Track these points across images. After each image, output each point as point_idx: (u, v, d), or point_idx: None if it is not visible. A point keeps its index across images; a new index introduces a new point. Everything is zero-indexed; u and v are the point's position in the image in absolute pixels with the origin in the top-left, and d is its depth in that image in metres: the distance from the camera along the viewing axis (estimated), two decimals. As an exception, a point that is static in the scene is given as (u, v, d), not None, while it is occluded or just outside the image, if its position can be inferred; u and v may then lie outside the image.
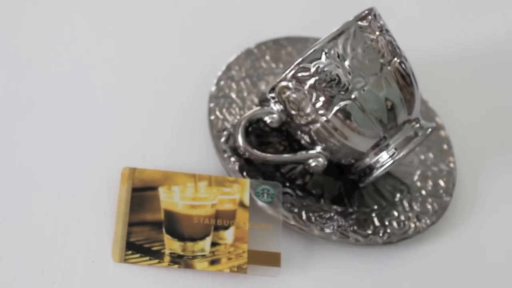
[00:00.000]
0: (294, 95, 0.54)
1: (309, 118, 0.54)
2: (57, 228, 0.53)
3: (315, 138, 0.55)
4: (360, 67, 0.53)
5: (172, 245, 0.52)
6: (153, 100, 0.60)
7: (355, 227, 0.56)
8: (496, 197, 0.61)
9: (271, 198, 0.55)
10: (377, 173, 0.55)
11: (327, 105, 0.53)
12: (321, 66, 0.53)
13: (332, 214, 0.56)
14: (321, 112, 0.53)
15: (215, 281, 0.53)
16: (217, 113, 0.59)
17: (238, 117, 0.59)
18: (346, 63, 0.52)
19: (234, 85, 0.61)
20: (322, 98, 0.53)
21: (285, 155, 0.56)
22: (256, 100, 0.60)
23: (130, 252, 0.52)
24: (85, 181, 0.55)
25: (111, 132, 0.58)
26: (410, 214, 0.58)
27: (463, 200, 0.60)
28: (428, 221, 0.58)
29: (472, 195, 0.61)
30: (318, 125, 0.54)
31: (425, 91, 0.64)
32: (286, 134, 0.59)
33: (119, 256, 0.52)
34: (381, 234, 0.56)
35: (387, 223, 0.57)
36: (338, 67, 0.52)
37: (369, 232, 0.56)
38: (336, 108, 0.53)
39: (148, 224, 0.53)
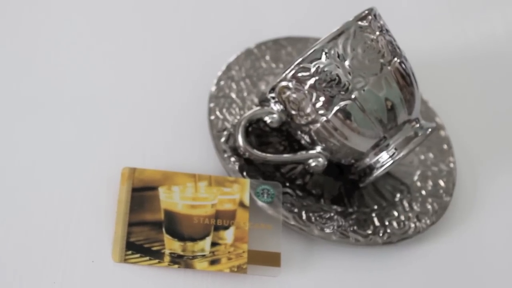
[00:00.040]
0: (294, 95, 0.54)
1: (309, 118, 0.54)
2: (57, 228, 0.53)
3: (315, 138, 0.55)
4: (360, 67, 0.53)
5: (172, 245, 0.52)
6: (153, 100, 0.60)
7: (355, 227, 0.56)
8: (496, 197, 0.61)
9: (271, 198, 0.55)
10: (377, 173, 0.55)
11: (327, 105, 0.53)
12: (321, 66, 0.53)
13: (332, 214, 0.56)
14: (321, 112, 0.53)
15: (215, 281, 0.53)
16: (217, 113, 0.59)
17: (238, 117, 0.59)
18: (346, 63, 0.52)
19: (234, 85, 0.61)
20: (322, 98, 0.53)
21: (285, 155, 0.56)
22: (256, 100, 0.60)
23: (130, 252, 0.52)
24: (85, 181, 0.55)
25: (111, 132, 0.58)
26: (410, 214, 0.58)
27: (463, 200, 0.60)
28: (428, 221, 0.58)
29: (472, 195, 0.61)
30: (318, 125, 0.54)
31: (425, 91, 0.64)
32: (286, 134, 0.59)
33: (119, 256, 0.52)
34: (381, 234, 0.56)
35: (387, 223, 0.57)
36: (338, 67, 0.52)
37: (369, 232, 0.56)
38: (336, 108, 0.53)
39: (148, 224, 0.53)
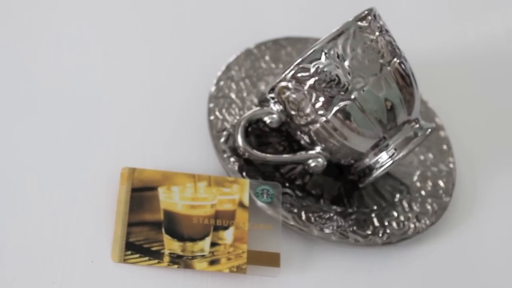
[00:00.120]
0: (293, 96, 0.54)
1: (309, 119, 0.54)
2: (57, 228, 0.53)
3: (314, 138, 0.55)
4: (360, 68, 0.53)
5: (171, 245, 0.52)
6: (153, 100, 0.60)
7: (355, 228, 0.56)
8: (496, 197, 0.61)
9: (271, 199, 0.55)
10: (376, 173, 0.55)
11: (327, 105, 0.53)
12: (321, 66, 0.52)
13: (331, 215, 0.56)
14: (320, 112, 0.53)
15: (215, 282, 0.53)
16: (217, 113, 0.59)
17: (237, 117, 0.59)
18: (346, 63, 0.52)
19: (233, 86, 0.61)
20: (321, 99, 0.53)
21: (285, 156, 0.56)
22: (255, 100, 0.60)
23: (129, 252, 0.52)
24: (84, 181, 0.55)
25: (111, 132, 0.58)
26: (409, 215, 0.58)
27: (463, 200, 0.60)
28: (427, 222, 0.58)
29: (471, 195, 0.61)
30: (318, 125, 0.54)
31: (424, 92, 0.64)
32: (285, 135, 0.59)
33: (119, 256, 0.52)
34: (380, 235, 0.56)
35: (386, 223, 0.57)
36: (338, 68, 0.52)
37: (369, 232, 0.56)
38: (335, 108, 0.53)
39: (148, 224, 0.53)
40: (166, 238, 0.53)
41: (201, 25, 0.66)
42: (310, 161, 0.56)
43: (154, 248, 0.52)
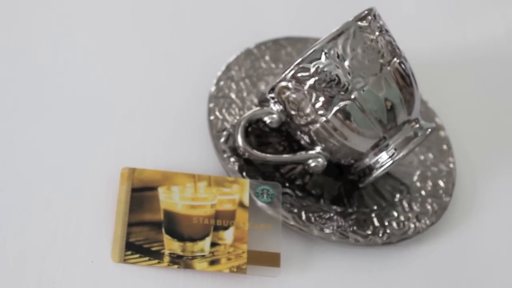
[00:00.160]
0: (293, 95, 0.54)
1: (309, 119, 0.54)
2: (57, 228, 0.53)
3: (314, 138, 0.55)
4: (360, 67, 0.53)
5: (171, 245, 0.52)
6: (153, 100, 0.60)
7: (355, 228, 0.56)
8: (496, 197, 0.61)
9: (271, 199, 0.55)
10: (376, 173, 0.55)
11: (327, 105, 0.53)
12: (321, 66, 0.52)
13: (331, 215, 0.56)
14: (320, 112, 0.53)
15: (215, 282, 0.53)
16: (217, 113, 0.59)
17: (237, 117, 0.59)
18: (346, 63, 0.52)
19: (233, 85, 0.61)
20: (321, 98, 0.53)
21: (285, 156, 0.56)
22: (255, 100, 0.60)
23: (129, 252, 0.52)
24: (84, 181, 0.55)
25: (111, 132, 0.58)
26: (409, 215, 0.58)
27: (463, 200, 0.60)
28: (427, 222, 0.58)
29: (471, 195, 0.61)
30: (318, 125, 0.54)
31: (424, 92, 0.64)
32: (285, 135, 0.59)
33: (119, 256, 0.52)
34: (380, 235, 0.56)
35: (386, 223, 0.57)
36: (338, 68, 0.52)
37: (369, 232, 0.56)
38: (335, 108, 0.53)
39: (148, 224, 0.53)
40: (166, 238, 0.53)
41: (201, 25, 0.66)
42: (310, 161, 0.56)
43: (154, 248, 0.52)
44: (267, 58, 0.63)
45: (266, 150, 0.57)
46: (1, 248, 0.51)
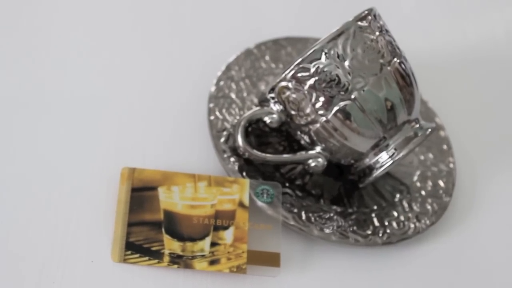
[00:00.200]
0: (293, 95, 0.54)
1: (309, 119, 0.54)
2: (57, 228, 0.53)
3: (314, 138, 0.55)
4: (360, 68, 0.53)
5: (171, 245, 0.52)
6: (153, 100, 0.60)
7: (355, 228, 0.56)
8: (496, 197, 0.61)
9: (271, 198, 0.55)
10: (376, 173, 0.55)
11: (327, 105, 0.53)
12: (321, 66, 0.52)
13: (331, 215, 0.56)
14: (320, 112, 0.53)
15: (215, 281, 0.53)
16: (217, 113, 0.59)
17: (237, 117, 0.59)
18: (346, 63, 0.52)
19: (233, 85, 0.61)
20: (321, 98, 0.53)
21: (285, 156, 0.56)
22: (255, 100, 0.60)
23: (129, 252, 0.52)
24: (84, 181, 0.55)
25: (111, 132, 0.58)
26: (409, 215, 0.58)
27: (463, 200, 0.60)
28: (427, 222, 0.58)
29: (471, 195, 0.61)
30: (318, 125, 0.54)
31: (425, 92, 0.64)
32: (285, 135, 0.59)
33: (119, 256, 0.52)
34: (380, 235, 0.56)
35: (386, 223, 0.57)
36: (338, 68, 0.52)
37: (369, 232, 0.56)
38: (335, 108, 0.53)
39: (148, 224, 0.53)
40: (166, 238, 0.53)
41: (201, 25, 0.66)
42: (310, 161, 0.56)
43: (154, 248, 0.52)
44: (267, 58, 0.63)
45: (266, 150, 0.57)
46: (1, 247, 0.51)
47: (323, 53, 0.52)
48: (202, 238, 0.53)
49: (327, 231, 0.55)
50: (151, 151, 0.57)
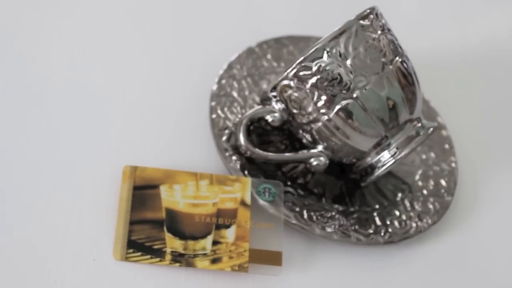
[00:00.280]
0: (295, 94, 0.54)
1: (311, 117, 0.54)
2: (59, 226, 0.53)
3: (316, 137, 0.55)
4: (362, 66, 0.53)
5: (173, 243, 0.52)
6: (155, 99, 0.60)
7: (357, 226, 0.56)
8: (497, 196, 0.61)
9: (273, 197, 0.55)
10: (378, 172, 0.55)
11: (329, 104, 0.53)
12: (323, 65, 0.52)
13: (333, 213, 0.56)
14: (322, 111, 0.53)
15: (216, 280, 0.53)
16: (219, 111, 0.59)
17: (239, 115, 0.59)
18: (348, 62, 0.52)
19: (235, 84, 0.61)
20: (323, 97, 0.53)
21: (287, 154, 0.56)
22: (257, 99, 0.60)
23: (131, 250, 0.52)
24: (86, 179, 0.55)
25: (113, 131, 0.58)
26: (411, 214, 0.58)
27: (465, 199, 0.60)
28: (429, 221, 0.58)
29: (473, 194, 0.61)
30: (320, 124, 0.54)
31: (426, 91, 0.64)
32: (287, 133, 0.59)
33: (120, 254, 0.52)
34: (382, 234, 0.56)
35: (388, 222, 0.57)
36: (340, 66, 0.52)
37: (371, 231, 0.56)
38: (337, 107, 0.53)
39: (149, 222, 0.53)
40: (168, 236, 0.53)
41: (203, 24, 0.66)
42: (312, 159, 0.56)
43: (156, 246, 0.52)
44: (269, 56, 0.63)
45: (268, 149, 0.57)
46: (3, 246, 0.51)
47: (325, 52, 0.52)
48: (204, 236, 0.53)
49: (329, 230, 0.55)
50: (153, 149, 0.57)
